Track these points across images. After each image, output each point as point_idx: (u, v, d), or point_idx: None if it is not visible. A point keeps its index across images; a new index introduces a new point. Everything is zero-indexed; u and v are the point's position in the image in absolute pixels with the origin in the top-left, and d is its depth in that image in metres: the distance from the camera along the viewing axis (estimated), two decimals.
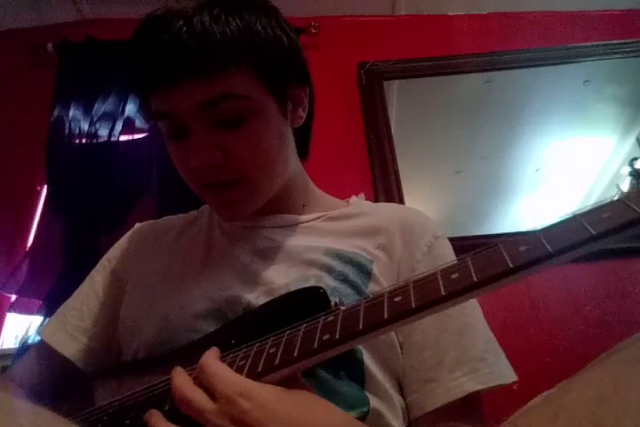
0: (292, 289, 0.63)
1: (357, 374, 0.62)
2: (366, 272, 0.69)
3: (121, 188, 1.70)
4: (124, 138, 1.82)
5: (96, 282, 0.80)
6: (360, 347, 0.63)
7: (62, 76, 1.90)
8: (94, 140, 1.79)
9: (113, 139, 1.79)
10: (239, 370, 0.48)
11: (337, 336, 0.45)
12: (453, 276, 0.43)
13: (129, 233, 0.86)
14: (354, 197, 0.86)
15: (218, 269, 0.71)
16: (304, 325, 0.50)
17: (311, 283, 0.65)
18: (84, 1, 2.01)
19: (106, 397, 0.60)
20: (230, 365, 0.49)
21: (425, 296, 0.43)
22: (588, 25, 2.01)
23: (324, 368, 0.59)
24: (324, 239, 0.73)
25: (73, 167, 1.74)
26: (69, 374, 0.72)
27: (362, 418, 0.57)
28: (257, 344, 0.51)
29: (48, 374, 0.73)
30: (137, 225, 0.87)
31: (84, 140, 1.80)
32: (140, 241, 0.83)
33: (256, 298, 0.65)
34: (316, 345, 0.46)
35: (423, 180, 2.17)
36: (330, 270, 0.67)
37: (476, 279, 0.41)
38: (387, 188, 1.72)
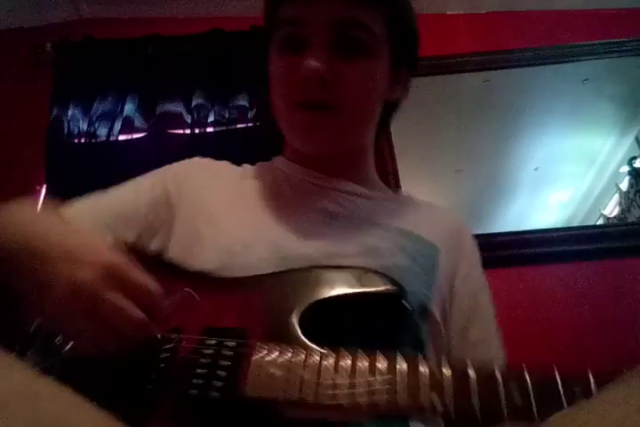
0: (363, 261, 0.62)
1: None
2: (434, 260, 0.70)
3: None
4: (122, 137, 1.81)
5: (141, 192, 0.77)
6: (425, 330, 0.64)
7: (61, 75, 1.89)
8: (93, 140, 1.79)
9: (112, 138, 1.79)
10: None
11: (453, 416, 0.42)
12: (576, 388, 0.40)
13: (185, 161, 0.84)
14: (399, 190, 0.88)
15: (286, 220, 0.70)
16: (403, 363, 0.45)
17: (383, 257, 0.65)
18: (82, 1, 2.01)
19: None
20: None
21: (549, 409, 0.39)
22: (586, 23, 2.01)
23: (387, 347, 0.59)
24: (395, 219, 0.74)
25: (72, 167, 1.73)
26: None
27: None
28: (347, 358, 0.46)
29: None
30: (195, 158, 0.85)
31: (82, 140, 1.79)
32: (198, 172, 0.80)
33: (325, 259, 0.64)
34: (426, 405, 0.42)
35: (422, 179, 2.17)
36: (402, 248, 0.67)
37: None
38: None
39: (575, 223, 2.67)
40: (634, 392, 0.32)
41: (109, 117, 1.82)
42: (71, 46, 1.93)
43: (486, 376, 0.43)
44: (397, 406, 0.42)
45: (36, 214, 0.53)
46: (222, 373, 0.47)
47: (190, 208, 0.74)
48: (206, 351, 0.49)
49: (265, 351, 0.48)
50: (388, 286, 0.56)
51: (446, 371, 0.44)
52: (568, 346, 1.42)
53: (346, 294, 0.56)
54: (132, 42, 1.90)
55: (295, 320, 0.52)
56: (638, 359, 0.38)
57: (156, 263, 0.64)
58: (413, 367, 0.44)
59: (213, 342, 0.50)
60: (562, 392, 0.40)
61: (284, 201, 0.74)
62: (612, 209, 2.56)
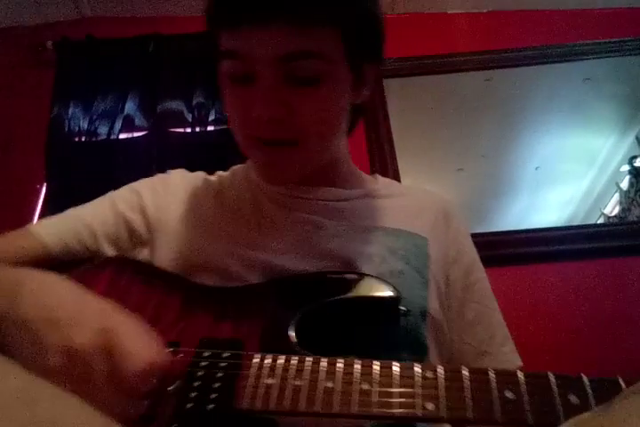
0: (360, 268, 0.62)
1: (420, 358, 0.61)
2: (424, 253, 0.68)
3: (120, 186, 1.69)
4: (123, 136, 1.81)
5: (118, 206, 0.74)
6: (426, 332, 0.63)
7: (62, 74, 1.89)
8: (94, 138, 1.79)
9: (112, 137, 1.79)
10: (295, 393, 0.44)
11: (443, 415, 0.42)
12: (572, 399, 0.41)
13: (161, 177, 0.81)
14: (377, 175, 0.85)
15: (273, 237, 0.68)
16: (396, 367, 0.45)
17: (376, 263, 0.64)
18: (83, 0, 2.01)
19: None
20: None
21: (543, 413, 0.40)
22: (587, 23, 2.01)
23: (384, 352, 0.57)
24: (378, 217, 0.72)
25: (72, 165, 1.73)
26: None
27: None
28: (340, 365, 0.46)
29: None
30: (169, 171, 0.82)
31: (83, 138, 1.79)
32: (174, 188, 0.78)
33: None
34: (420, 414, 0.42)
35: (424, 178, 2.17)
36: (392, 251, 0.66)
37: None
38: None
39: (576, 222, 2.67)
40: None
41: (110, 116, 1.82)
42: (72, 45, 1.93)
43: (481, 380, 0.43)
44: (390, 414, 0.42)
45: (56, 282, 0.51)
46: (217, 385, 0.47)
47: (172, 226, 0.72)
48: (202, 364, 0.49)
49: (260, 362, 0.48)
50: (385, 292, 0.56)
51: (441, 376, 0.44)
52: (568, 345, 1.42)
53: (343, 300, 0.56)
54: (132, 40, 1.90)
55: (291, 328, 0.52)
56: (638, 358, 0.37)
57: (150, 272, 0.66)
58: (407, 375, 0.44)
59: (208, 353, 0.50)
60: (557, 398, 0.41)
61: (268, 218, 0.72)
62: (612, 208, 2.56)
